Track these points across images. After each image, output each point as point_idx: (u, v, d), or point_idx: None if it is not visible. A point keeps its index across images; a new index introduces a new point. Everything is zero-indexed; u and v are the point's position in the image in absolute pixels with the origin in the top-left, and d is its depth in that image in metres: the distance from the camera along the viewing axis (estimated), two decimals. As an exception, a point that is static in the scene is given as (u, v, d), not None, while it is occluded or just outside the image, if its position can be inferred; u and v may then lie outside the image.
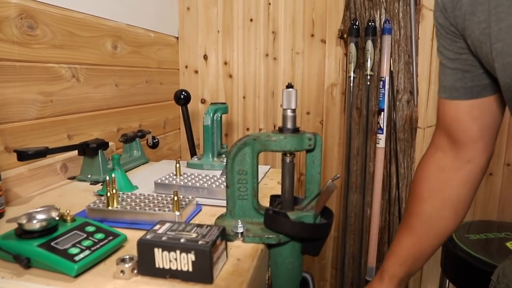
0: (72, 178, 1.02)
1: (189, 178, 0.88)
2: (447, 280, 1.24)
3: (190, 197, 0.76)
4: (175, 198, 0.69)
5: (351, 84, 1.59)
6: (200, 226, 0.57)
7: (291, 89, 0.65)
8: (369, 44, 1.54)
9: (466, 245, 1.12)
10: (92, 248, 0.57)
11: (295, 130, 0.65)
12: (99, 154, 0.97)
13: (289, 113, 0.66)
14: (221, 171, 1.02)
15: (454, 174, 0.68)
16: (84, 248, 0.56)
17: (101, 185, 0.94)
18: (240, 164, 0.66)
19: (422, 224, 0.70)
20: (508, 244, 1.13)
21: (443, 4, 0.58)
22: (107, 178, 0.71)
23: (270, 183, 0.99)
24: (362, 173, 1.64)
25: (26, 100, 0.94)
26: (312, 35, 1.68)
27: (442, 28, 0.61)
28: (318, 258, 1.84)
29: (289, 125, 0.65)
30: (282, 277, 0.68)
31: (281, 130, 0.66)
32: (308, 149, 0.66)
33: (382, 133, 1.55)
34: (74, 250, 0.55)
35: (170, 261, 0.52)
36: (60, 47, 1.05)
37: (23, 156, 0.81)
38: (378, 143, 1.56)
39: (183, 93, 1.25)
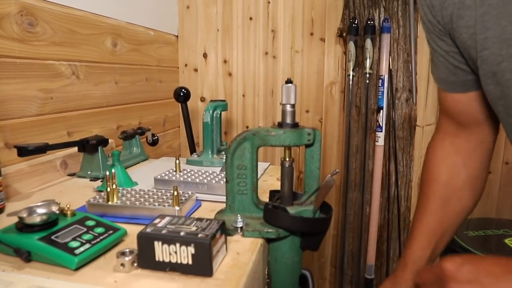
0: (72, 174, 1.02)
1: (189, 174, 0.89)
2: (446, 277, 1.24)
3: (189, 192, 0.76)
4: (175, 193, 0.69)
5: (350, 83, 1.60)
6: (199, 220, 0.58)
7: (290, 85, 0.66)
8: (368, 42, 1.55)
9: (464, 242, 1.12)
10: (92, 242, 0.57)
11: (295, 125, 0.66)
12: (99, 150, 0.98)
13: (288, 108, 0.66)
14: (220, 168, 1.03)
15: (472, 154, 0.68)
16: (84, 241, 0.57)
17: (101, 181, 0.94)
18: (239, 159, 0.66)
19: (442, 207, 0.69)
20: (506, 240, 1.14)
21: (430, 0, 0.57)
22: (107, 173, 0.72)
23: (269, 179, 1.00)
24: (361, 171, 1.64)
25: (26, 96, 0.94)
26: (312, 34, 1.69)
27: (431, 24, 0.59)
28: (318, 256, 1.85)
29: (288, 120, 0.66)
30: (281, 272, 0.68)
31: (281, 125, 0.66)
32: (307, 144, 0.67)
33: (381, 131, 1.55)
34: (74, 244, 0.55)
35: (170, 254, 0.52)
36: (60, 44, 1.05)
37: (23, 151, 0.81)
38: (377, 141, 1.56)
39: (183, 90, 1.25)
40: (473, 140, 0.67)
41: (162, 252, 0.52)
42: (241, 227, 0.64)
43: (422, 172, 0.74)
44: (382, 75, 1.54)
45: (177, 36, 1.79)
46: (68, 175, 1.02)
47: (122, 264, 0.53)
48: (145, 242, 0.53)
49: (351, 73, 1.59)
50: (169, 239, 0.52)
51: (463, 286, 0.40)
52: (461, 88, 0.62)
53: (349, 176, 1.66)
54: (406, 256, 0.72)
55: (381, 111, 1.54)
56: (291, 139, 0.64)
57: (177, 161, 0.90)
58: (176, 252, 0.52)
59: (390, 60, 1.57)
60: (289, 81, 0.66)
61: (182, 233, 0.53)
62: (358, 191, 1.67)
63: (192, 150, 1.30)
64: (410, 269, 0.70)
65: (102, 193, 0.76)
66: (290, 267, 0.68)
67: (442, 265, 0.43)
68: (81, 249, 0.55)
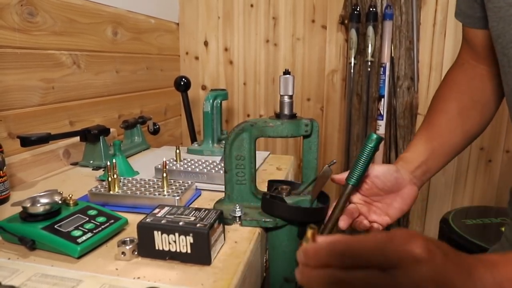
0: (75, 164, 1.03)
1: (189, 164, 0.90)
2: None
3: (189, 182, 0.78)
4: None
5: (352, 71, 1.59)
6: (198, 210, 0.59)
7: (288, 76, 0.66)
8: (370, 30, 1.54)
9: (462, 230, 1.14)
10: (94, 231, 0.59)
11: (292, 116, 0.66)
12: (101, 140, 0.99)
13: (286, 99, 0.67)
14: (220, 157, 1.04)
15: (488, 81, 0.67)
16: (86, 230, 0.58)
17: (103, 170, 0.95)
18: (238, 149, 0.67)
19: (449, 121, 0.69)
20: (503, 228, 1.15)
21: None
22: (108, 163, 0.73)
23: (269, 168, 1.01)
24: (361, 159, 1.65)
25: (28, 86, 0.95)
26: (313, 21, 1.68)
27: None
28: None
29: (286, 111, 0.66)
30: (279, 260, 0.70)
31: (278, 116, 0.67)
32: (305, 135, 0.68)
33: (382, 120, 1.55)
34: (77, 233, 0.57)
35: (169, 243, 0.54)
36: (61, 34, 1.06)
37: (26, 142, 0.83)
38: (378, 130, 1.56)
39: (183, 79, 1.26)
40: (492, 71, 0.66)
41: (161, 241, 0.54)
42: (239, 217, 0.66)
43: (437, 90, 0.73)
44: (383, 63, 1.53)
45: (177, 24, 1.78)
46: (71, 164, 1.03)
47: (123, 253, 0.55)
48: (145, 232, 0.54)
49: (352, 61, 1.58)
50: (168, 229, 0.54)
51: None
52: (477, 24, 0.63)
53: (350, 164, 1.67)
54: (400, 155, 0.70)
55: (382, 99, 1.54)
56: (289, 130, 0.65)
57: (178, 151, 0.91)
58: (175, 241, 0.53)
59: (392, 47, 1.56)
60: (286, 72, 0.67)
61: (181, 223, 0.54)
62: (358, 179, 1.67)
63: (193, 139, 1.32)
64: (400, 164, 0.67)
65: (104, 183, 0.77)
66: (288, 255, 0.69)
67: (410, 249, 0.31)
68: (84, 238, 0.56)
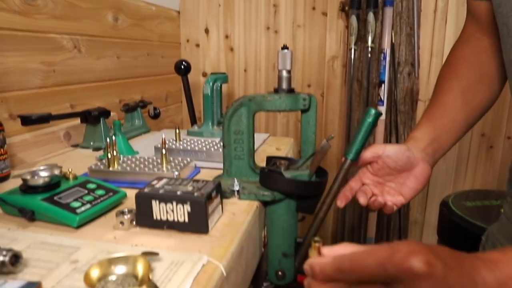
0: (76, 145, 1.04)
1: (189, 143, 0.90)
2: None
3: (188, 159, 0.78)
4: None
5: (352, 57, 1.59)
6: (196, 181, 0.59)
7: (286, 50, 0.66)
8: (371, 16, 1.53)
9: (462, 212, 1.14)
10: (93, 203, 0.59)
11: (290, 90, 0.67)
12: (101, 121, 0.99)
13: (284, 74, 0.67)
14: (219, 138, 1.04)
15: (494, 54, 0.66)
16: (85, 202, 0.59)
17: (103, 151, 0.96)
18: (236, 124, 0.68)
19: (457, 97, 0.67)
20: (502, 210, 1.15)
21: None
22: (108, 140, 0.73)
23: (268, 149, 1.01)
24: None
25: (29, 69, 0.96)
26: (314, 8, 1.67)
27: None
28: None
29: (284, 85, 0.67)
30: (277, 235, 0.70)
31: (276, 90, 0.67)
32: (303, 109, 0.68)
33: (383, 106, 1.55)
34: (76, 204, 0.58)
35: (167, 212, 0.54)
36: (61, 18, 1.06)
37: (27, 121, 0.83)
38: (379, 116, 1.56)
39: (184, 63, 1.26)
40: (496, 44, 0.65)
41: (159, 210, 0.54)
42: (238, 191, 0.66)
43: (442, 68, 0.72)
44: (384, 49, 1.53)
45: (178, 12, 1.78)
46: (72, 146, 1.04)
47: (121, 222, 0.55)
48: (143, 201, 0.55)
49: (353, 47, 1.58)
50: (166, 198, 0.54)
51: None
52: None
53: (351, 150, 1.67)
54: (409, 134, 0.69)
55: (383, 85, 1.54)
56: (287, 104, 0.66)
57: (177, 131, 0.91)
58: (173, 211, 0.54)
59: (393, 34, 1.55)
60: (285, 47, 0.67)
61: (178, 192, 0.54)
62: (359, 165, 1.68)
63: (193, 122, 1.32)
64: (411, 143, 0.65)
65: (104, 160, 0.78)
66: (287, 230, 0.70)
67: (410, 263, 0.31)
68: (82, 208, 0.57)
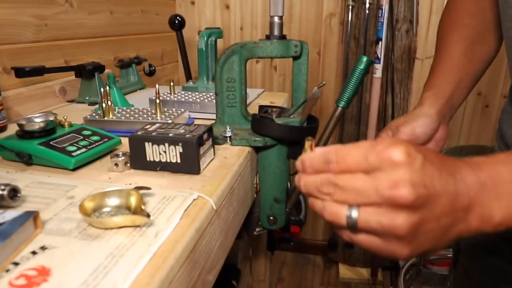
0: (71, 101, 1.04)
1: (183, 95, 0.91)
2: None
3: (181, 109, 0.79)
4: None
5: (350, 14, 1.56)
6: (188, 125, 0.61)
7: (277, -4, 0.66)
8: (369, -30, 1.50)
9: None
10: (89, 147, 0.61)
11: (282, 37, 0.67)
12: (96, 76, 0.99)
13: (276, 20, 0.66)
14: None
15: (494, 1, 0.63)
16: (81, 146, 0.60)
17: (98, 104, 0.96)
18: (228, 72, 0.68)
19: (467, 49, 0.65)
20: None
21: None
22: (102, 90, 0.74)
23: (262, 102, 1.02)
24: (358, 103, 1.66)
25: (20, 22, 0.95)
26: (311, -38, 1.63)
27: None
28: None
29: (276, 32, 0.67)
30: (269, 181, 0.72)
31: (268, 37, 0.67)
32: (294, 56, 0.68)
33: (379, 63, 1.54)
34: (71, 148, 0.59)
35: (160, 154, 0.56)
36: (51, -31, 1.04)
37: (20, 73, 0.83)
38: (375, 73, 1.55)
39: (178, 17, 1.24)
40: None
41: (152, 152, 0.56)
42: (230, 137, 0.68)
43: (443, 18, 0.70)
44: (382, 5, 1.50)
45: (172, -33, 1.74)
46: (67, 101, 1.04)
47: (116, 164, 0.57)
48: (136, 144, 0.56)
49: (350, 3, 1.55)
50: (158, 140, 0.55)
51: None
52: None
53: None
54: (423, 94, 0.66)
55: (380, 42, 1.52)
56: (278, 51, 0.66)
57: (172, 84, 0.91)
58: (165, 152, 0.55)
59: (392, -11, 1.52)
60: (276, -7, 0.66)
61: (170, 134, 0.56)
62: (354, 123, 1.69)
63: (188, 77, 1.32)
64: (429, 103, 0.64)
65: (99, 112, 0.79)
66: (278, 175, 0.72)
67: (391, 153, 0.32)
68: (78, 152, 0.58)
